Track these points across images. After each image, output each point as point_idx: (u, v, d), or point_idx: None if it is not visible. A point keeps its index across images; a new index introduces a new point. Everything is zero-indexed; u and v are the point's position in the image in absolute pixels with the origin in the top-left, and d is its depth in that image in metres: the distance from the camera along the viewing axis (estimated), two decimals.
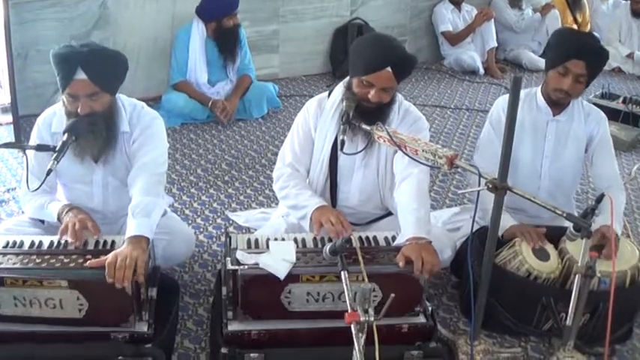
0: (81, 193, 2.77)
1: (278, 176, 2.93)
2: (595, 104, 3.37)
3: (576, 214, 2.53)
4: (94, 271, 2.28)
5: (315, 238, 2.63)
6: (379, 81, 2.64)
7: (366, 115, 2.66)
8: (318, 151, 2.88)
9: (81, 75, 2.47)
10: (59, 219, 2.64)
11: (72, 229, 2.51)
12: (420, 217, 2.58)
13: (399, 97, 2.86)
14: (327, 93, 2.93)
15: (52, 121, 2.69)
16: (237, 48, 5.12)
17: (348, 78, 2.79)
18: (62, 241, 2.51)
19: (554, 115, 3.02)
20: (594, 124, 3.04)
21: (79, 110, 2.52)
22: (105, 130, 2.60)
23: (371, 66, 2.63)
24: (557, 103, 2.99)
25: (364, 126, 2.59)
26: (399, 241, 2.57)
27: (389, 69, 2.61)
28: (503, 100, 3.10)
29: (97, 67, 2.50)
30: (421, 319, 2.46)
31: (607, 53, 2.95)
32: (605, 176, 3.04)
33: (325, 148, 2.86)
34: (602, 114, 3.09)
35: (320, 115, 2.87)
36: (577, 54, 2.83)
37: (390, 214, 2.98)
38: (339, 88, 2.83)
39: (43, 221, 2.79)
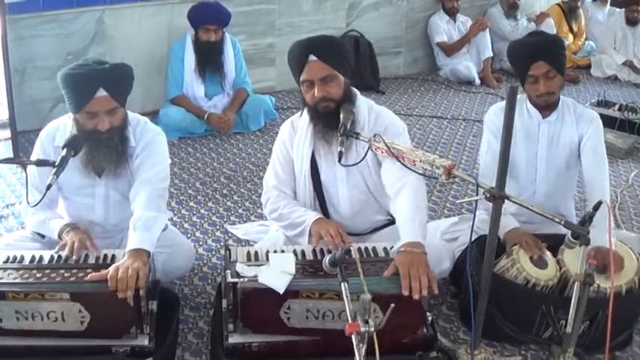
0: (82, 205, 2.79)
1: (266, 200, 2.96)
2: None
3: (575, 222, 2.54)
4: (96, 284, 2.29)
5: (314, 250, 2.63)
6: (312, 73, 2.64)
7: (331, 118, 2.65)
8: (299, 167, 2.89)
9: (102, 92, 2.50)
10: (60, 237, 2.65)
11: (70, 247, 2.52)
12: (415, 225, 2.53)
13: (369, 102, 2.86)
14: (299, 113, 2.93)
15: (56, 134, 2.70)
16: (216, 64, 5.09)
17: None
18: (59, 254, 2.51)
19: (544, 118, 3.05)
20: (586, 124, 3.03)
21: (98, 127, 2.55)
22: (120, 144, 2.64)
23: (297, 63, 2.66)
24: (547, 106, 3.02)
25: (362, 138, 2.60)
26: (394, 249, 2.53)
27: (312, 57, 2.62)
28: (495, 108, 3.13)
29: (116, 83, 2.55)
30: (421, 329, 2.46)
31: (558, 38, 2.98)
32: (590, 176, 2.97)
33: (304, 163, 2.86)
34: (595, 114, 3.08)
35: (294, 134, 2.90)
36: (531, 58, 2.90)
37: (392, 222, 2.91)
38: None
39: (43, 236, 2.79)
